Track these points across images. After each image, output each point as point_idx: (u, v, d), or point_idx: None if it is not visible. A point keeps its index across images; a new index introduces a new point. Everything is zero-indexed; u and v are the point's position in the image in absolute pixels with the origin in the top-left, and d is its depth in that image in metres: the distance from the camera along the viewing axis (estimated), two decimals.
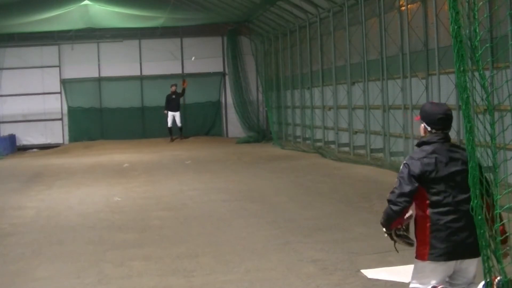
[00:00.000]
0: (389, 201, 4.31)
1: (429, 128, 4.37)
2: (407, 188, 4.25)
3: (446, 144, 4.30)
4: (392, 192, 4.31)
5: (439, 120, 4.31)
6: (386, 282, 6.13)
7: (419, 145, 4.40)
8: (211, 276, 6.59)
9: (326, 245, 7.56)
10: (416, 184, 4.24)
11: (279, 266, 6.83)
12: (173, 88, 23.86)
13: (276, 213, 9.74)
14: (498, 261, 4.11)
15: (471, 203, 4.07)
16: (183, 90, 24.04)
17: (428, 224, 4.24)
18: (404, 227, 4.42)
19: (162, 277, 6.65)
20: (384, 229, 4.44)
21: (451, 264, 4.23)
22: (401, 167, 4.33)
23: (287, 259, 7.07)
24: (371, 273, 6.38)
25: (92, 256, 7.64)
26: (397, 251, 4.64)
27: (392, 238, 4.46)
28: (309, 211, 9.85)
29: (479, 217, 4.02)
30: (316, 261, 6.93)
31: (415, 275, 4.38)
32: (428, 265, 4.26)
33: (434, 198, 4.23)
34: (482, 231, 4.03)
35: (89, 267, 7.15)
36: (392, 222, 4.36)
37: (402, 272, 6.27)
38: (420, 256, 4.30)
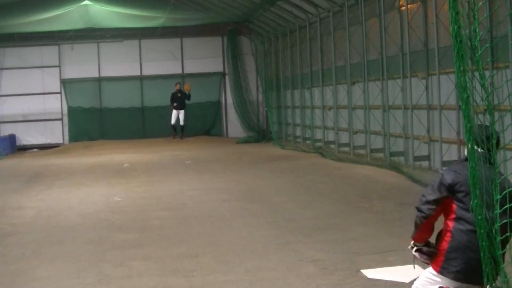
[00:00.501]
0: (416, 208, 4.29)
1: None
2: (432, 196, 4.20)
3: (488, 165, 4.15)
4: (420, 199, 4.29)
5: (485, 140, 4.16)
6: (386, 282, 6.13)
7: (462, 161, 4.33)
8: (211, 276, 6.59)
9: (326, 245, 7.56)
10: (444, 194, 4.17)
11: (279, 266, 6.83)
12: (178, 86, 23.99)
13: (276, 213, 9.74)
14: (498, 261, 4.11)
15: (472, 203, 4.06)
16: (189, 94, 24.07)
17: (448, 239, 4.17)
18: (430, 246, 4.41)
19: (162, 277, 6.65)
20: (411, 243, 4.44)
21: (462, 287, 4.19)
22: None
23: (287, 259, 7.07)
24: (371, 273, 6.38)
25: (92, 256, 7.63)
26: (414, 267, 4.61)
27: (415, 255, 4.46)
28: (309, 211, 9.85)
29: (479, 217, 4.01)
30: (316, 261, 6.93)
31: (422, 280, 4.33)
32: (439, 277, 4.21)
33: (460, 213, 4.15)
34: (482, 231, 4.03)
35: (89, 267, 7.15)
36: (417, 230, 4.32)
37: (402, 272, 6.27)
38: (433, 264, 4.25)
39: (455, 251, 4.14)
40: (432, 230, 4.35)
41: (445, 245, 4.19)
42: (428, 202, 4.22)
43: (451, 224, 4.19)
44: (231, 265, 6.94)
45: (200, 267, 6.93)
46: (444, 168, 4.41)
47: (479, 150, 4.24)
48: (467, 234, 4.12)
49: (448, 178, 4.19)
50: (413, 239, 4.42)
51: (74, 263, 7.34)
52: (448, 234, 4.19)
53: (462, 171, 4.20)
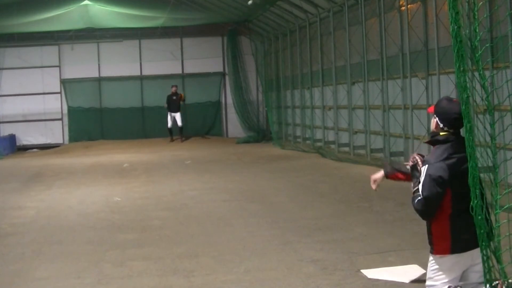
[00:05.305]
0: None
1: (441, 125, 4.25)
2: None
3: (460, 139, 4.19)
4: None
5: (455, 121, 4.18)
6: (386, 282, 6.13)
7: (433, 143, 4.28)
8: (211, 276, 6.59)
9: (326, 245, 7.56)
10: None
11: (279, 266, 6.83)
12: (174, 89, 23.78)
13: (276, 213, 9.74)
14: (498, 261, 4.11)
15: (471, 203, 4.06)
16: (184, 99, 23.94)
17: (448, 216, 4.15)
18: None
19: (162, 277, 6.65)
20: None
21: (468, 257, 4.15)
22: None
23: (287, 259, 7.07)
24: (371, 273, 6.38)
25: (92, 256, 7.63)
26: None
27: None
28: (309, 211, 9.85)
29: (479, 217, 4.01)
30: (316, 261, 6.93)
31: (433, 273, 4.24)
32: (448, 260, 4.16)
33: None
34: (482, 231, 4.02)
35: (89, 267, 7.15)
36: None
37: (402, 272, 6.28)
38: (440, 251, 4.19)
39: (458, 225, 4.15)
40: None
41: (447, 227, 4.16)
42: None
43: (449, 203, 4.17)
44: (231, 265, 6.94)
45: (200, 267, 6.93)
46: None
47: (445, 128, 4.22)
48: (463, 209, 4.11)
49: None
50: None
51: (74, 263, 7.34)
52: (448, 212, 4.17)
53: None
